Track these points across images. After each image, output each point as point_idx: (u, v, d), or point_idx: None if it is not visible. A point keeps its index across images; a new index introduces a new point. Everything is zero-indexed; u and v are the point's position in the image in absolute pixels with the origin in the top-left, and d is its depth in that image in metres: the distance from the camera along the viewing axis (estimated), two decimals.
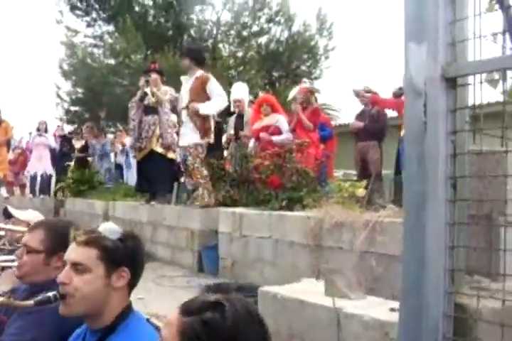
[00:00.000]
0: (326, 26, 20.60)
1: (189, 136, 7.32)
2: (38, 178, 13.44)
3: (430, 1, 1.90)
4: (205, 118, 7.30)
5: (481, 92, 1.83)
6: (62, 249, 2.27)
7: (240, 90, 8.87)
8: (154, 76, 8.36)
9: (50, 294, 1.80)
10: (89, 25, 20.39)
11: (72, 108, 20.58)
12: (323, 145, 8.38)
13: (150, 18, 19.76)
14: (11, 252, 2.92)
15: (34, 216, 3.21)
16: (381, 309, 3.01)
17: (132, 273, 1.85)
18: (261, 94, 10.06)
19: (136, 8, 19.59)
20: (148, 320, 1.99)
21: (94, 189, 12.09)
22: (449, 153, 1.83)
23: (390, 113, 8.07)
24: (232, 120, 8.78)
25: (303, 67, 21.04)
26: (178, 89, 8.03)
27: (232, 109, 8.84)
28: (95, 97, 18.17)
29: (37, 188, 13.48)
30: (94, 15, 20.22)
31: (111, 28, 19.98)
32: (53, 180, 13.83)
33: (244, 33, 20.26)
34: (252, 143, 8.33)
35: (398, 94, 7.63)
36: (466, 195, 1.89)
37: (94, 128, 13.86)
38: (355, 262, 4.44)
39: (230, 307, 1.29)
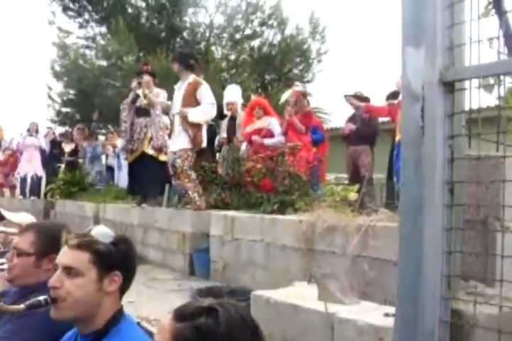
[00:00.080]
0: (318, 30, 20.62)
1: (180, 142, 7.31)
2: (28, 180, 13.37)
3: (429, 5, 1.90)
4: (196, 126, 7.28)
5: (479, 97, 1.82)
6: (53, 252, 2.24)
7: (233, 93, 8.84)
8: (147, 78, 8.34)
9: (41, 298, 1.78)
10: (81, 26, 20.32)
11: (64, 109, 20.46)
12: (315, 148, 8.37)
13: (143, 20, 19.71)
14: (2, 255, 2.88)
15: (27, 218, 3.17)
16: (375, 314, 2.99)
17: (124, 278, 1.84)
18: (253, 97, 10.01)
19: (129, 10, 19.54)
20: (138, 323, 1.97)
21: (84, 191, 12.02)
22: (446, 157, 1.82)
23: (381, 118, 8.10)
24: (224, 123, 8.76)
25: (295, 71, 21.06)
26: (170, 91, 8.01)
27: (225, 112, 8.82)
28: (87, 99, 18.10)
29: (27, 190, 13.40)
30: (86, 16, 20.14)
31: (103, 29, 19.91)
32: (43, 181, 13.75)
33: (237, 36, 20.26)
34: (244, 146, 8.32)
35: (391, 99, 7.65)
36: (462, 200, 1.88)
37: (85, 130, 13.81)
38: (347, 266, 4.42)
39: (223, 312, 1.27)
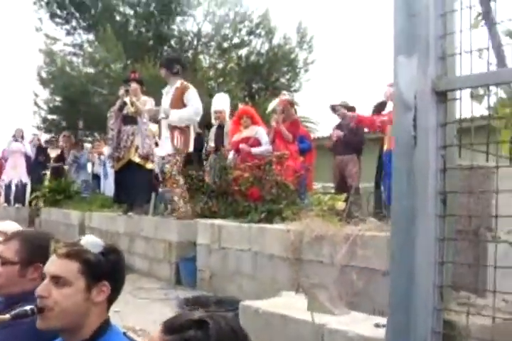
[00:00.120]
0: (306, 39, 20.70)
1: (168, 145, 7.29)
2: (13, 187, 13.24)
3: (421, 14, 1.89)
4: (183, 130, 7.28)
5: (471, 106, 1.82)
6: (38, 261, 2.22)
7: (222, 101, 8.84)
8: (134, 85, 8.31)
9: (28, 307, 1.74)
10: (68, 33, 20.23)
11: (50, 116, 20.32)
12: (303, 157, 8.38)
13: (131, 28, 19.67)
14: None
15: (12, 227, 3.12)
16: (366, 325, 2.97)
17: (113, 288, 1.81)
18: (240, 106, 10.01)
19: (117, 18, 19.49)
20: (125, 333, 1.94)
21: (70, 199, 11.92)
22: (438, 167, 1.81)
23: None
24: (212, 131, 8.75)
25: (282, 80, 21.11)
26: (158, 99, 8.00)
27: (212, 121, 8.81)
28: (73, 106, 18.00)
29: (12, 197, 13.27)
30: (74, 23, 20.05)
31: (91, 36, 19.83)
32: (28, 188, 13.63)
33: (225, 45, 20.29)
34: (231, 154, 8.30)
35: (379, 109, 7.68)
36: (455, 210, 1.87)
37: (71, 138, 13.72)
38: (335, 276, 4.40)
39: (214, 325, 1.24)
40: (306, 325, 3.12)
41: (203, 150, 8.96)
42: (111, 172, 10.33)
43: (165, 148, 7.39)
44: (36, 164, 13.51)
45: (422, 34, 1.89)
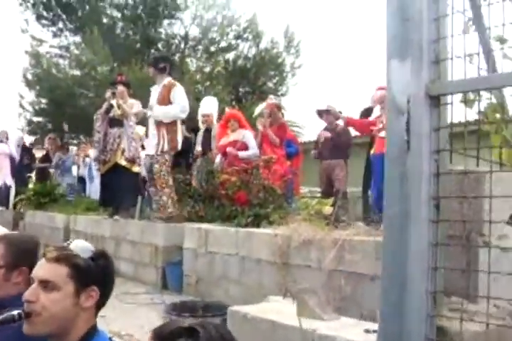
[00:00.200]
0: (293, 44, 20.78)
1: (155, 145, 7.27)
2: None
3: (414, 19, 1.88)
4: (171, 128, 7.28)
5: (465, 111, 1.81)
6: (23, 265, 2.19)
7: (210, 104, 8.82)
8: (121, 88, 8.26)
9: (15, 312, 1.70)
10: (55, 35, 20.12)
11: (35, 118, 20.17)
12: (290, 161, 8.37)
13: (118, 31, 19.61)
14: None
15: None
16: (356, 330, 2.95)
17: (101, 293, 1.79)
18: (227, 110, 9.99)
19: (104, 20, 19.42)
20: (111, 339, 1.91)
21: (55, 202, 11.81)
22: (432, 172, 1.80)
23: (354, 131, 8.09)
24: (200, 135, 8.72)
25: (269, 84, 21.15)
26: (144, 102, 7.96)
27: (199, 124, 8.79)
28: (59, 108, 17.88)
29: None
30: (60, 25, 19.95)
31: (78, 38, 19.73)
32: (13, 191, 13.47)
33: (212, 49, 20.30)
34: (218, 158, 8.27)
35: (365, 115, 7.69)
36: (447, 215, 1.86)
37: (56, 140, 13.60)
38: (323, 281, 4.39)
39: (204, 333, 1.23)
40: (295, 330, 3.09)
41: (190, 154, 8.92)
42: (97, 175, 10.26)
43: (152, 146, 7.39)
44: (21, 166, 13.36)
45: (415, 38, 1.88)
